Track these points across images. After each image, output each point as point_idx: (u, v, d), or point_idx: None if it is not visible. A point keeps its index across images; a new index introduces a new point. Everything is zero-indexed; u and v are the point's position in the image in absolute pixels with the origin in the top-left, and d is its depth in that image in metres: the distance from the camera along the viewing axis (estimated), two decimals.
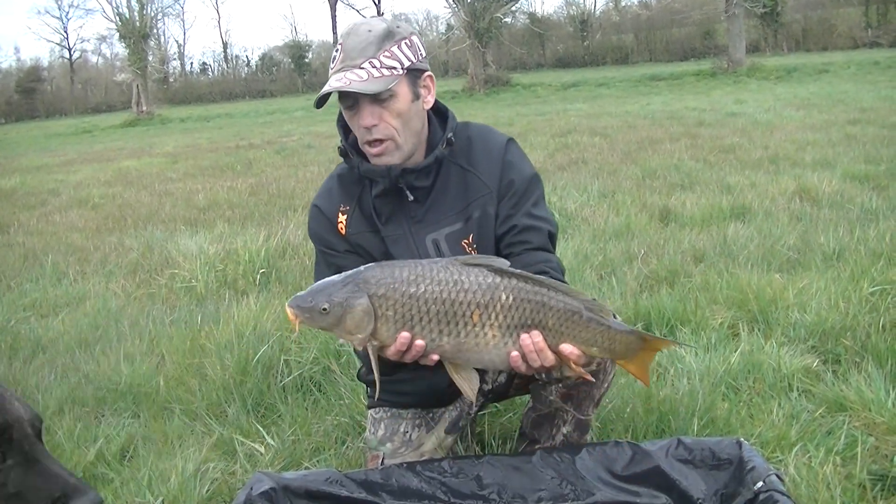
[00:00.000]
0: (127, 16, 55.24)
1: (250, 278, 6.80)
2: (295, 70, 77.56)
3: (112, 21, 56.98)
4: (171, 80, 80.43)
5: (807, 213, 7.77)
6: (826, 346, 4.46)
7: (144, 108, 52.22)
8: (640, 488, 2.91)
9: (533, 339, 2.63)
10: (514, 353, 2.65)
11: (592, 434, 3.57)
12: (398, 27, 2.97)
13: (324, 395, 4.26)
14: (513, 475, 2.95)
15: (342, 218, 3.14)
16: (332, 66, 2.96)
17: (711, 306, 5.16)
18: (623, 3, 77.40)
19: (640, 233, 7.52)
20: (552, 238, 3.13)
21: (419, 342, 2.62)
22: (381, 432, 3.36)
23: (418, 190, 3.07)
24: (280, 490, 2.78)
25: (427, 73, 3.04)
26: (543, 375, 3.17)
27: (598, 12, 77.44)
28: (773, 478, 2.67)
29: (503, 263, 2.68)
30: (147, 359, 5.02)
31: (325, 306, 2.58)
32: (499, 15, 50.12)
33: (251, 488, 2.75)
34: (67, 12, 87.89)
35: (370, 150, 2.99)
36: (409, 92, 2.95)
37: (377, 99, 2.88)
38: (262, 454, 3.70)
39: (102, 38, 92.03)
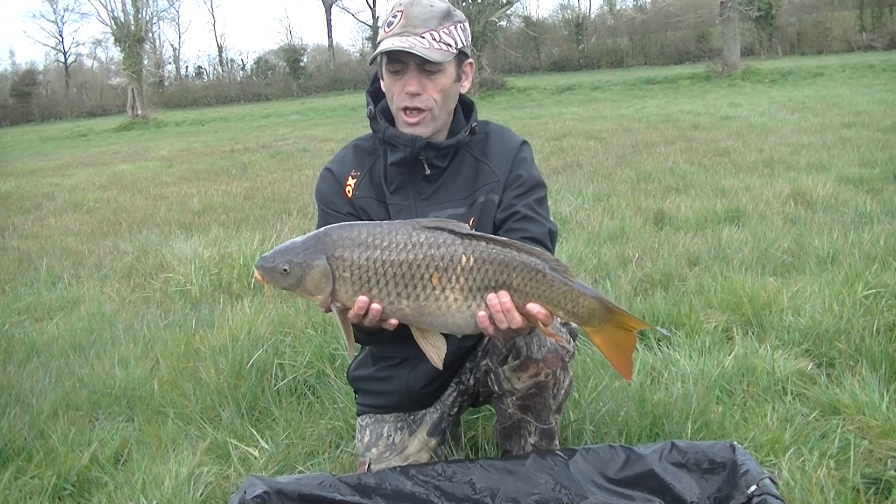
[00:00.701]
0: (122, 20, 55.21)
1: (245, 282, 6.80)
2: (290, 74, 77.46)
3: (107, 25, 57.02)
4: (167, 83, 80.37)
5: (801, 216, 7.77)
6: (820, 349, 4.46)
7: (139, 112, 52.18)
8: (634, 492, 2.92)
9: (500, 299, 2.64)
10: (482, 314, 2.65)
11: (586, 437, 3.58)
12: (455, 11, 3.09)
13: (318, 399, 4.26)
14: (506, 479, 2.96)
15: (351, 182, 3.22)
16: (386, 29, 3.03)
17: (705, 310, 5.16)
18: (618, 7, 77.61)
19: (634, 236, 7.52)
20: (552, 236, 3.16)
21: (375, 306, 2.64)
22: (366, 438, 3.40)
23: (433, 168, 3.15)
24: (274, 494, 2.78)
25: (469, 60, 3.17)
26: (495, 388, 3.20)
27: (593, 16, 77.68)
28: (767, 481, 2.68)
29: (464, 228, 2.69)
30: (141, 363, 5.02)
31: (286, 267, 2.64)
32: (494, 18, 50.12)
33: (245, 492, 2.75)
34: (62, 16, 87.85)
35: (406, 118, 3.07)
36: (454, 71, 3.08)
37: (426, 70, 3.00)
38: (256, 458, 3.70)
39: (98, 42, 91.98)
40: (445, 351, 2.78)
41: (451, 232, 2.67)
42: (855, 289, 5.05)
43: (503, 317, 2.64)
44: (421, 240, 2.64)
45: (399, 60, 3.00)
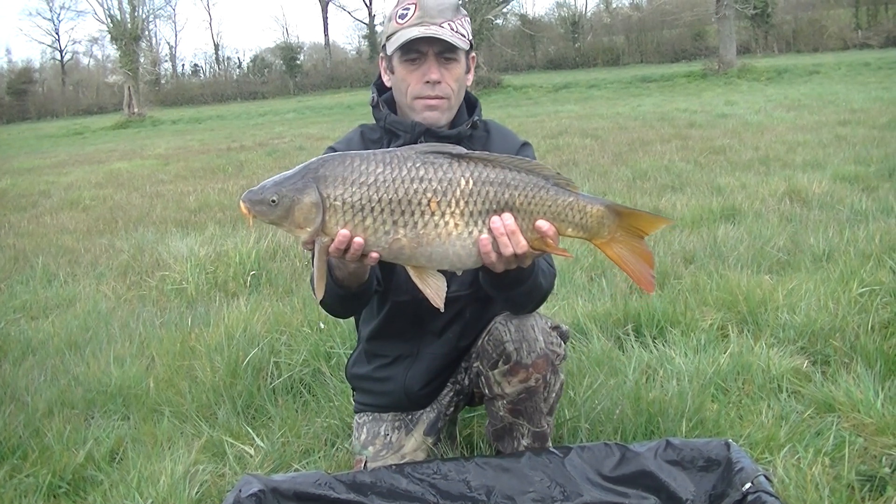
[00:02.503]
0: (118, 17, 55.20)
1: (241, 280, 6.79)
2: (286, 72, 77.31)
3: (103, 23, 57.10)
4: (163, 81, 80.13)
5: (797, 214, 7.79)
6: (815, 347, 4.47)
7: (136, 110, 52.17)
8: (629, 489, 2.92)
9: (504, 222, 2.57)
10: (484, 237, 2.58)
11: (582, 435, 3.59)
12: (461, 5, 3.14)
13: (313, 398, 4.26)
14: (501, 476, 2.96)
15: None
16: (399, 20, 3.05)
17: (701, 308, 5.17)
18: (614, 5, 77.58)
19: None
20: None
21: (358, 239, 2.53)
22: (363, 436, 3.40)
23: None
24: (269, 492, 2.78)
25: (472, 54, 3.22)
26: (486, 391, 3.19)
27: (589, 14, 77.67)
28: (762, 479, 2.69)
29: (460, 150, 2.63)
30: (137, 361, 5.01)
31: (274, 198, 2.53)
32: (490, 16, 50.16)
33: (240, 490, 2.75)
34: (59, 14, 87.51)
35: (425, 102, 3.08)
36: (464, 62, 3.13)
37: (445, 59, 3.04)
38: (251, 456, 3.69)
39: (94, 40, 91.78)
40: (445, 290, 2.67)
41: (448, 154, 2.60)
42: (850, 286, 5.05)
43: (507, 240, 2.57)
44: (417, 164, 2.55)
45: (416, 50, 3.02)
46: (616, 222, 2.71)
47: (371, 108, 3.27)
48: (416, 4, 3.03)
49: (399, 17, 3.05)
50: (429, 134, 3.09)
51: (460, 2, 3.10)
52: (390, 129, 3.16)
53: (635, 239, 2.76)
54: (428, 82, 3.04)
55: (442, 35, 2.95)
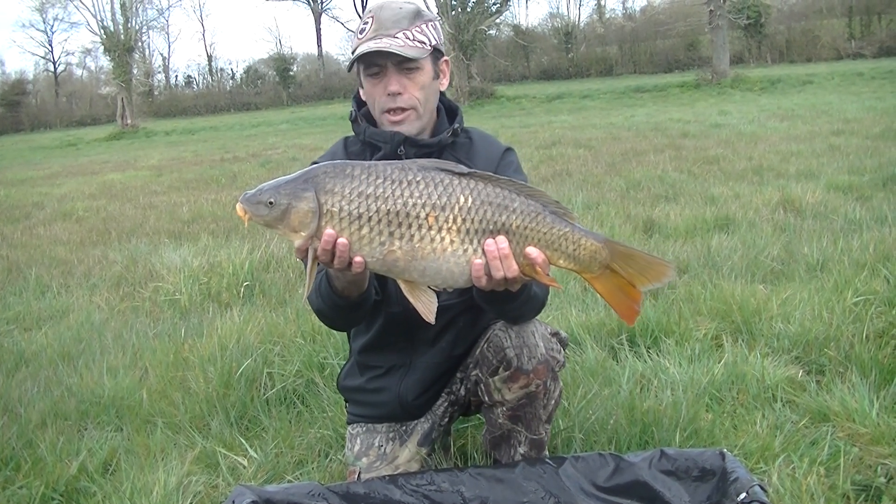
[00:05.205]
0: (111, 29, 55.21)
1: (234, 291, 6.78)
2: (280, 83, 77.24)
3: (97, 34, 57.07)
4: (156, 93, 79.96)
5: (790, 223, 7.79)
6: (810, 356, 4.47)
7: (129, 121, 52.16)
8: (624, 500, 2.91)
9: (498, 245, 2.56)
10: (478, 262, 2.56)
11: (576, 446, 3.58)
12: (425, 10, 3.12)
13: (307, 408, 4.25)
14: (495, 487, 2.95)
15: None
16: (360, 35, 3.05)
17: (695, 317, 5.16)
18: (607, 15, 77.75)
19: None
20: None
21: (342, 240, 2.50)
22: (357, 447, 3.39)
23: None
24: (262, 503, 2.76)
25: (444, 58, 3.19)
26: (485, 399, 3.19)
27: (582, 24, 77.75)
28: (757, 489, 2.68)
29: (462, 168, 2.62)
30: (130, 372, 4.99)
31: (271, 200, 2.52)
32: (483, 27, 50.22)
33: (233, 501, 2.74)
34: (52, 25, 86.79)
35: (390, 118, 3.08)
36: (431, 69, 3.11)
37: (405, 69, 3.02)
38: (244, 467, 3.68)
39: (87, 52, 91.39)
40: (436, 306, 2.67)
41: (449, 172, 2.59)
42: (844, 296, 5.05)
43: (500, 264, 2.56)
44: (417, 178, 2.54)
45: (376, 63, 3.02)
46: (608, 258, 2.69)
47: (351, 122, 3.26)
48: (373, 17, 3.04)
49: (360, 32, 3.06)
50: (408, 143, 3.08)
51: (423, 6, 3.06)
52: (370, 141, 3.15)
53: (620, 277, 2.74)
54: (390, 94, 3.04)
55: (390, 48, 2.94)
